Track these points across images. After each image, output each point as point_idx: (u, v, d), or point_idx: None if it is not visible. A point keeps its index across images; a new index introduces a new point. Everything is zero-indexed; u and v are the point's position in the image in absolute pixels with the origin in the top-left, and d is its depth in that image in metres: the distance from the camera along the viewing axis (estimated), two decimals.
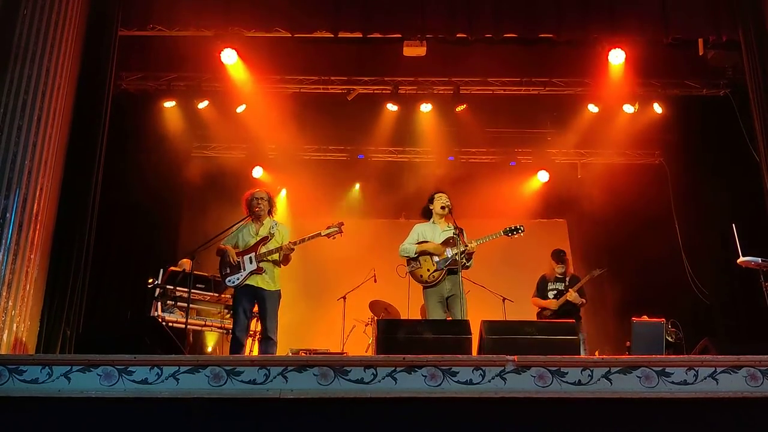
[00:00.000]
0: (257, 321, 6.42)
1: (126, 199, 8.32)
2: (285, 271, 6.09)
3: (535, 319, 7.20)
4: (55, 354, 5.29)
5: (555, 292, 7.18)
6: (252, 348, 6.94)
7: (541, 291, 7.28)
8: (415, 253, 6.13)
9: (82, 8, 5.98)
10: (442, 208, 6.19)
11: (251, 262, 5.87)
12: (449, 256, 5.99)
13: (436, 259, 6.06)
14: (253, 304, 5.89)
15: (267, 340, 5.70)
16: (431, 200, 6.34)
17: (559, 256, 7.35)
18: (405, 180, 9.99)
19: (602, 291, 9.16)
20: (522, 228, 6.21)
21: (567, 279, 7.25)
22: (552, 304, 7.08)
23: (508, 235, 6.20)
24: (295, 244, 5.91)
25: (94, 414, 3.83)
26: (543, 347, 4.28)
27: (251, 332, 6.57)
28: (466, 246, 5.95)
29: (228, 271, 5.92)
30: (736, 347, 4.24)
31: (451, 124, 9.15)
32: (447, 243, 6.08)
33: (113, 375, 3.86)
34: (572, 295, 7.02)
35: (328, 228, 6.05)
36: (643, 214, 9.08)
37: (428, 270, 6.06)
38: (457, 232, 5.94)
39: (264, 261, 5.87)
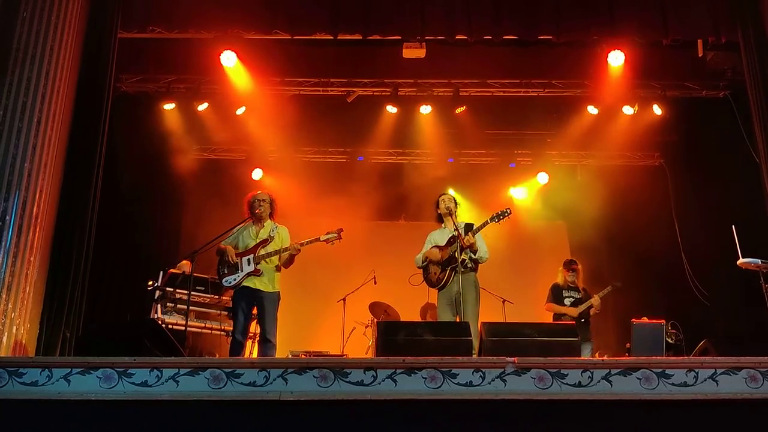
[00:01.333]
0: (257, 323, 6.42)
1: (125, 201, 8.32)
2: (285, 271, 6.09)
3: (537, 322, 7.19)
4: (55, 356, 5.28)
5: (572, 300, 7.16)
6: (252, 350, 6.93)
7: (557, 298, 7.24)
8: (423, 262, 6.20)
9: (82, 10, 5.99)
10: (447, 208, 6.21)
11: (249, 264, 5.87)
12: (450, 254, 6.01)
13: (440, 260, 6.10)
14: (252, 306, 5.88)
15: (266, 342, 5.70)
16: (437, 204, 6.38)
17: (570, 265, 7.36)
18: (405, 182, 10.00)
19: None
20: (509, 211, 6.10)
21: (581, 288, 7.26)
22: (572, 311, 7.05)
23: (495, 221, 6.07)
24: (297, 245, 5.91)
25: (93, 416, 3.82)
26: (543, 349, 4.27)
27: (251, 334, 6.57)
28: (462, 241, 5.93)
29: (226, 271, 5.93)
30: (736, 349, 4.23)
31: (451, 125, 9.15)
32: (449, 243, 6.10)
33: (113, 377, 3.86)
34: (596, 302, 7.05)
35: (328, 234, 6.03)
36: (643, 215, 9.08)
37: (435, 273, 6.13)
38: (457, 232, 5.94)
39: (262, 263, 5.87)
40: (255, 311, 5.92)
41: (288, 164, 9.83)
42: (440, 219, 6.40)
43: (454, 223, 6.07)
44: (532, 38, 7.08)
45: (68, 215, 5.74)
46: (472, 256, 6.01)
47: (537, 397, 3.83)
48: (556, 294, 7.27)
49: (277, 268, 5.97)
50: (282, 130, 9.14)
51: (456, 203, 6.37)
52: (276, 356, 5.83)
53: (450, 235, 6.14)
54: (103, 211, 6.26)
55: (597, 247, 9.69)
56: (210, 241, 6.14)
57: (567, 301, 7.18)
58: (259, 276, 5.84)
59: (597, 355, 7.12)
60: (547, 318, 7.26)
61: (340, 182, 10.13)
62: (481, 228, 6.07)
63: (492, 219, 6.08)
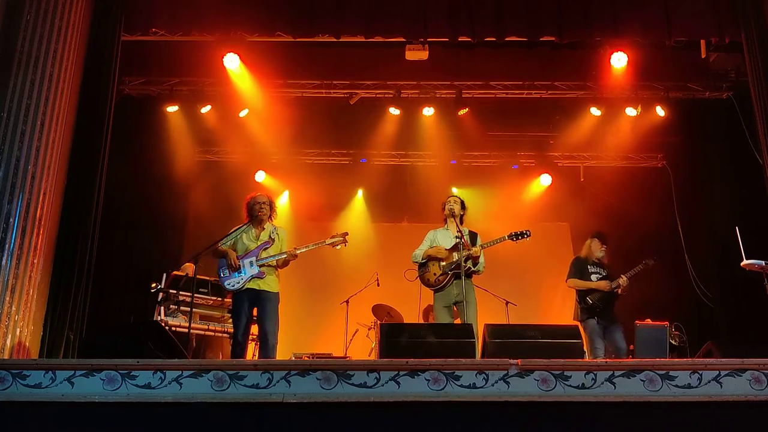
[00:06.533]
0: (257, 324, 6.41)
1: (128, 203, 8.33)
2: (288, 274, 6.10)
3: (564, 307, 6.95)
4: (59, 358, 5.29)
5: (598, 276, 6.61)
6: (254, 352, 6.93)
7: (581, 272, 6.63)
8: (423, 259, 6.17)
9: (85, 14, 6.01)
10: (450, 210, 6.21)
11: (252, 266, 5.87)
12: (455, 260, 6.00)
13: (442, 263, 6.08)
14: (253, 308, 5.88)
15: (266, 343, 5.70)
16: (444, 205, 6.36)
17: (603, 237, 6.83)
18: (407, 184, 9.99)
19: None
20: (528, 233, 6.10)
21: (605, 267, 6.72)
22: (604, 285, 6.46)
23: (513, 239, 6.08)
24: (298, 250, 5.90)
25: (97, 419, 3.83)
26: (546, 351, 4.26)
27: (252, 336, 6.57)
28: (470, 250, 5.95)
29: (227, 274, 5.92)
30: (740, 350, 4.22)
31: (454, 127, 9.16)
32: (455, 248, 6.08)
33: (116, 379, 3.86)
34: (624, 281, 6.48)
35: (333, 237, 6.01)
36: (646, 217, 9.06)
37: (435, 274, 6.10)
38: (460, 236, 5.94)
39: (265, 265, 5.87)
40: (255, 312, 5.92)
41: (291, 166, 9.84)
42: (445, 219, 6.39)
43: (459, 229, 6.03)
44: (534, 40, 7.07)
45: (71, 217, 5.76)
46: (472, 267, 6.02)
47: (540, 399, 3.82)
48: (581, 268, 6.66)
49: (275, 267, 5.98)
50: (285, 132, 9.15)
51: (463, 206, 6.30)
52: (278, 358, 5.83)
53: (454, 241, 6.12)
54: (106, 213, 6.27)
55: None
56: (212, 243, 6.13)
57: (593, 277, 6.59)
58: (262, 278, 5.84)
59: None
60: (551, 316, 7.19)
61: (343, 184, 10.15)
62: (495, 243, 6.07)
63: (510, 237, 6.09)
